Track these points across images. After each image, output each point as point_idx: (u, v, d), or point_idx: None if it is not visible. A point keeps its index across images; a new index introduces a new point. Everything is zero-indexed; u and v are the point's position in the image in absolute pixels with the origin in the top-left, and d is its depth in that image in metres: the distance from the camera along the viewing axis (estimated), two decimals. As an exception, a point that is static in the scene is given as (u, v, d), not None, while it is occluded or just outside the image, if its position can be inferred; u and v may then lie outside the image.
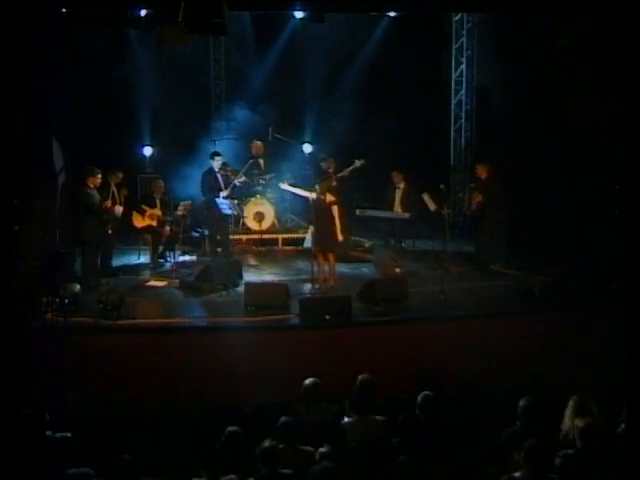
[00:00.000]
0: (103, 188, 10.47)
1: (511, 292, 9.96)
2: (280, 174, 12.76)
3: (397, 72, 13.27)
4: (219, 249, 11.64)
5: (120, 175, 10.83)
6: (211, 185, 11.48)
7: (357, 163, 11.52)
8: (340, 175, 11.56)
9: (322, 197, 10.04)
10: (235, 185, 11.89)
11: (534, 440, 4.94)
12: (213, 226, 11.70)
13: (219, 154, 11.77)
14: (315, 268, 10.10)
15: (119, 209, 10.65)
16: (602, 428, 5.27)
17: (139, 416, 6.61)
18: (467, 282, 10.51)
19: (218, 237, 11.69)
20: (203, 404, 7.02)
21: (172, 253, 11.21)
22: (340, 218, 10.01)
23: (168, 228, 11.36)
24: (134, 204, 11.30)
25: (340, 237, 10.02)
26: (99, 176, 10.28)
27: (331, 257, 10.14)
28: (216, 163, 11.62)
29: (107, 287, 9.88)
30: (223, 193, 11.46)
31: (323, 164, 12.00)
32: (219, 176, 11.63)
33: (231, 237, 11.99)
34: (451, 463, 5.15)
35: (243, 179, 12.20)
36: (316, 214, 10.07)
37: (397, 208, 11.85)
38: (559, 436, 5.41)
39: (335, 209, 9.99)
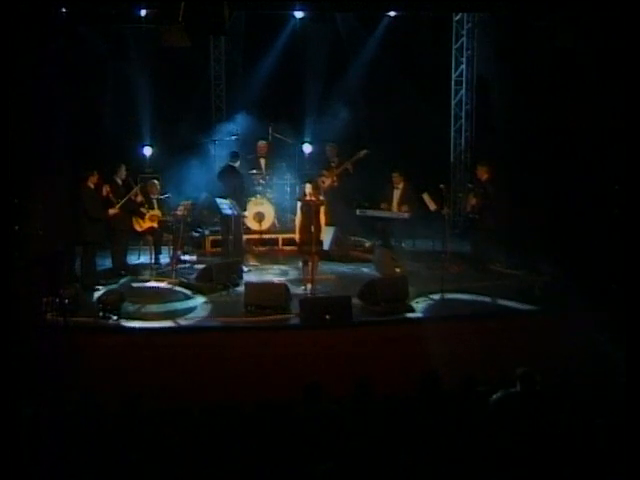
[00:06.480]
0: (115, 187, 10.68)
1: (511, 292, 9.96)
2: (280, 174, 12.78)
3: (397, 72, 13.26)
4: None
5: (124, 170, 10.90)
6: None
7: (360, 154, 11.50)
8: (343, 167, 11.51)
9: (311, 199, 10.06)
10: None
11: (532, 436, 4.95)
12: (223, 226, 11.74)
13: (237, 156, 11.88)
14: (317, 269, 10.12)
15: (113, 212, 10.62)
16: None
17: (139, 416, 6.60)
18: (467, 282, 10.50)
19: (230, 237, 11.68)
20: (203, 404, 7.01)
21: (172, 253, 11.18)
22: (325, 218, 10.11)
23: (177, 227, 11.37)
24: (132, 208, 11.23)
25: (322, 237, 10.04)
26: (96, 175, 10.35)
27: (315, 258, 10.11)
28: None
29: (107, 287, 9.90)
30: None
31: (328, 150, 12.11)
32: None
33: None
34: (450, 463, 5.15)
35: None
36: (304, 215, 10.07)
37: (396, 208, 11.84)
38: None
39: (322, 210, 10.04)
